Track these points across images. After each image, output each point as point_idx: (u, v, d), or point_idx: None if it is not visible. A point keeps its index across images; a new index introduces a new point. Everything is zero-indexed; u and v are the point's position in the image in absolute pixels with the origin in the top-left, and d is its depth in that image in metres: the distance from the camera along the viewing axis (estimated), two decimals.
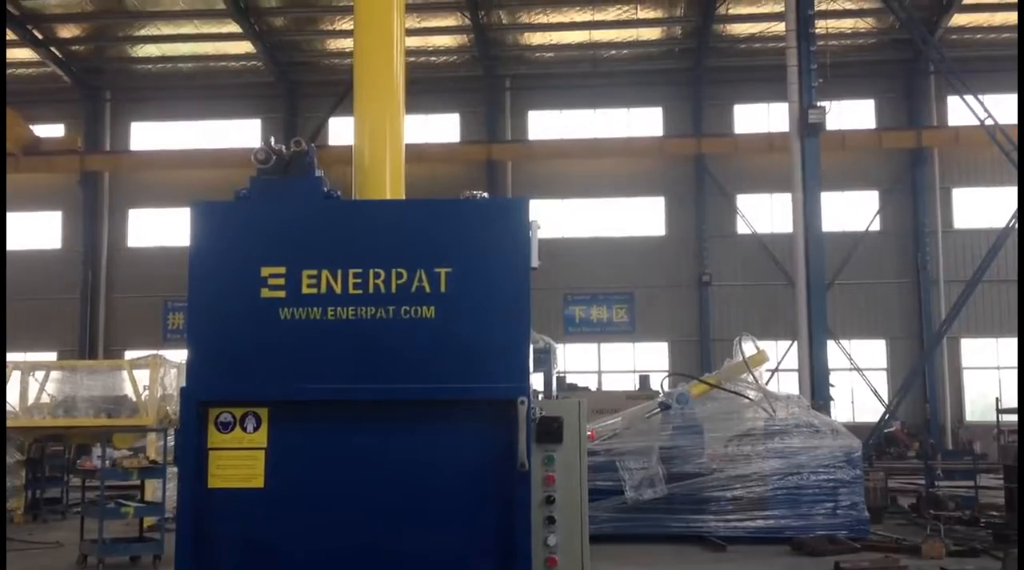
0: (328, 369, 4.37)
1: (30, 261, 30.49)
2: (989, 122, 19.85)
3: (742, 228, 30.54)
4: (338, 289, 4.41)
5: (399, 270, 4.43)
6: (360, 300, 4.40)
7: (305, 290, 4.41)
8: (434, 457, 4.35)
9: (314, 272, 4.42)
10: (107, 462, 12.16)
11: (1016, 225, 17.34)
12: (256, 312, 4.39)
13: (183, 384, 4.43)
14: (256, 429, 4.35)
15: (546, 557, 4.45)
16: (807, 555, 11.95)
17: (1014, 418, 16.55)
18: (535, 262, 4.61)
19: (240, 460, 4.32)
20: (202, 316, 4.42)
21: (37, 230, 31.65)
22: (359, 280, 4.42)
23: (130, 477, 12.52)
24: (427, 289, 4.43)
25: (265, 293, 4.41)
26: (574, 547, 4.54)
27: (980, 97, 19.98)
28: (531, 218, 4.59)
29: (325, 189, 4.75)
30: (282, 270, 4.43)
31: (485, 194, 4.77)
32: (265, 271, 4.42)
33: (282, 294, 4.41)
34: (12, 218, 29.83)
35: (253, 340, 4.38)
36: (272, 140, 4.82)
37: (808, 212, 19.21)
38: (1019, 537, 11.21)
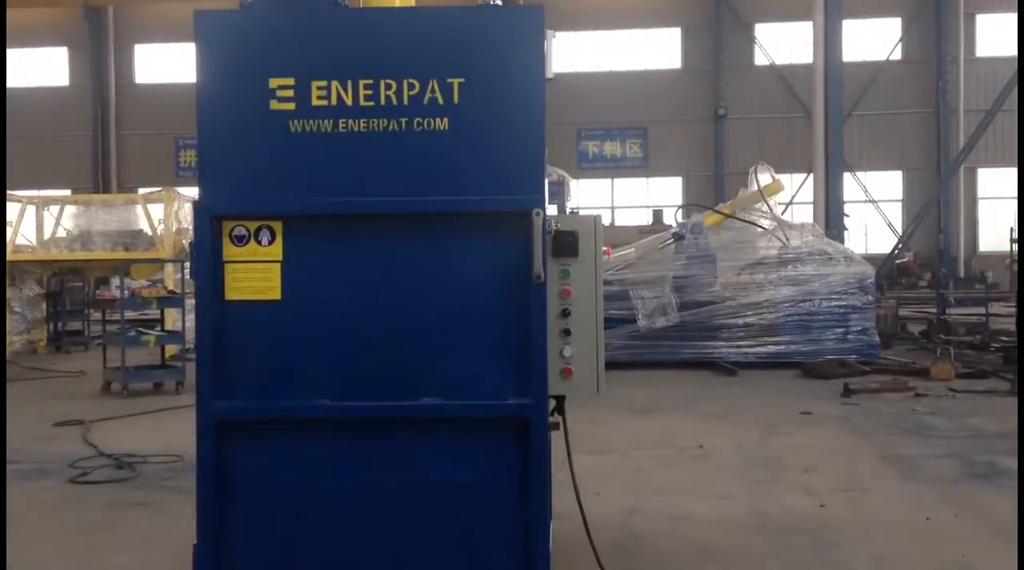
0: (341, 182, 4.30)
1: (39, 98, 30.23)
2: None
3: (760, 59, 29.92)
4: (349, 100, 4.30)
5: (411, 81, 4.31)
6: (372, 112, 4.30)
7: (315, 102, 4.30)
8: (449, 270, 4.33)
9: (324, 83, 4.30)
10: (126, 292, 12.28)
11: None
12: (265, 124, 4.30)
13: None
14: (271, 242, 4.33)
15: (562, 368, 4.49)
16: (817, 378, 12.14)
17: None
18: (549, 73, 4.49)
19: (256, 273, 4.32)
20: (211, 129, 4.34)
21: (44, 66, 31.21)
22: (370, 91, 4.30)
23: (149, 306, 12.69)
24: (440, 100, 4.32)
25: (274, 105, 4.30)
26: (589, 360, 4.57)
27: None
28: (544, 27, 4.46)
29: None
30: (291, 81, 4.31)
31: (499, 1, 4.62)
32: (273, 82, 4.30)
33: (291, 106, 4.30)
34: (17, 54, 29.45)
35: (263, 153, 4.30)
36: None
37: (829, 40, 18.73)
38: (1019, 356, 11.29)
